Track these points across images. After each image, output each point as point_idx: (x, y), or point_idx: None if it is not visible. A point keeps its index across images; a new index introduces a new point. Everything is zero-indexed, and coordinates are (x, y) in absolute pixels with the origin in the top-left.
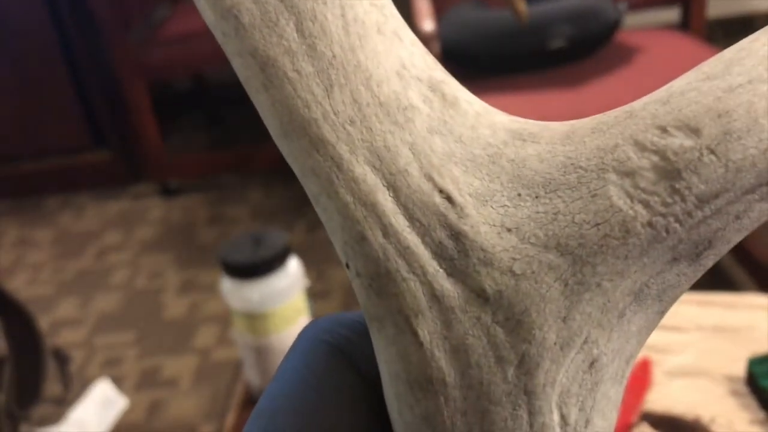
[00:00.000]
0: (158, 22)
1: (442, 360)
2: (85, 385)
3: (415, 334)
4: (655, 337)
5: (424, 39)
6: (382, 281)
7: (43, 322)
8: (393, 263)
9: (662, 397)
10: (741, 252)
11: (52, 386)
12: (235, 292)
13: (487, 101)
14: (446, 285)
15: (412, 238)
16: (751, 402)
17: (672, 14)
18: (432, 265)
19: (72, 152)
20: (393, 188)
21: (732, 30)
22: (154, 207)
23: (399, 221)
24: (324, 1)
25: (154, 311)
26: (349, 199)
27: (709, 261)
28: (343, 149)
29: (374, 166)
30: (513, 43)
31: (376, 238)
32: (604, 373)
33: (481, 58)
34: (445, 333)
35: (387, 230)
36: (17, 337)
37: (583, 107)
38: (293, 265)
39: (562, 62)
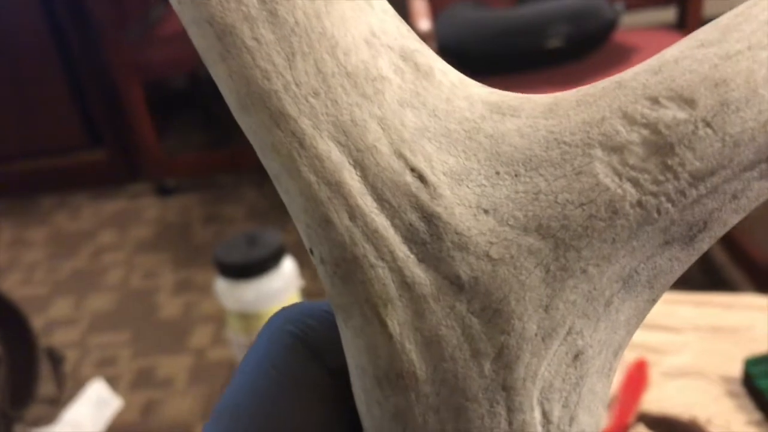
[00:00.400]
0: (154, 20)
1: (413, 353)
2: (79, 385)
3: (383, 324)
4: (652, 338)
5: (421, 38)
6: (348, 267)
7: (38, 322)
8: (360, 248)
9: (659, 398)
10: (738, 252)
11: (45, 386)
12: (229, 293)
13: None
14: (417, 271)
15: (380, 221)
16: (748, 403)
17: (668, 14)
18: (402, 250)
19: (67, 151)
20: (360, 166)
21: None
22: (149, 206)
23: (366, 202)
24: None
25: (149, 311)
26: (312, 178)
27: (704, 244)
28: (305, 124)
29: (340, 142)
30: (510, 42)
31: (342, 220)
32: (589, 366)
33: (478, 58)
34: (417, 323)
35: (353, 212)
36: (10, 338)
37: None
38: (288, 265)
39: (559, 62)
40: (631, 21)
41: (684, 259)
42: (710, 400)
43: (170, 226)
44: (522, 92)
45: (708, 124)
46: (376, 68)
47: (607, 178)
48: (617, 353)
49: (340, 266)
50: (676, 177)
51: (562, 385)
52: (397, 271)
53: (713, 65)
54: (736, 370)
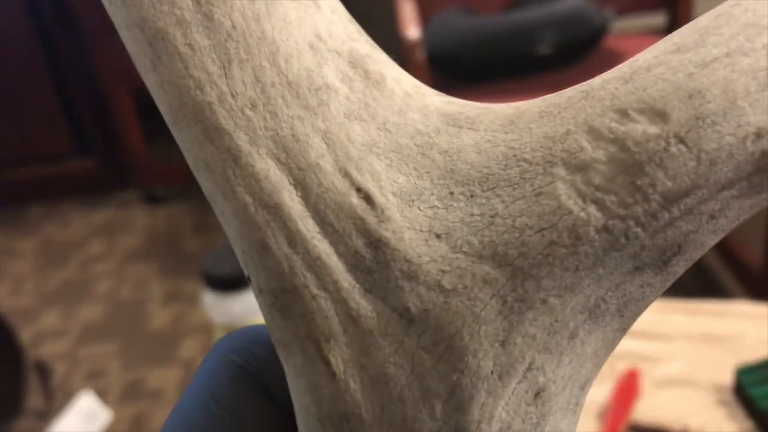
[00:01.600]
0: None
1: (358, 393)
2: (68, 397)
3: (326, 362)
4: (643, 346)
5: (410, 45)
6: (287, 299)
7: (26, 334)
8: (300, 277)
9: (650, 407)
10: (730, 257)
11: (34, 399)
12: (217, 305)
13: None
14: (363, 303)
15: (323, 247)
16: (739, 411)
17: (659, 19)
18: (347, 280)
19: (55, 160)
20: (301, 186)
21: None
22: (138, 215)
23: (308, 226)
24: None
25: (139, 322)
26: (248, 199)
27: (678, 268)
28: (241, 139)
29: (279, 160)
30: (500, 49)
31: (280, 247)
32: (552, 403)
33: (468, 64)
34: (362, 361)
35: (293, 237)
36: None
37: None
38: None
39: (549, 68)
40: (621, 26)
41: (657, 285)
42: (701, 409)
43: (159, 235)
44: (512, 99)
45: (681, 140)
46: (321, 77)
47: (570, 200)
48: (584, 387)
49: (278, 297)
50: (646, 199)
51: (522, 426)
52: (341, 303)
53: (688, 74)
54: (728, 378)
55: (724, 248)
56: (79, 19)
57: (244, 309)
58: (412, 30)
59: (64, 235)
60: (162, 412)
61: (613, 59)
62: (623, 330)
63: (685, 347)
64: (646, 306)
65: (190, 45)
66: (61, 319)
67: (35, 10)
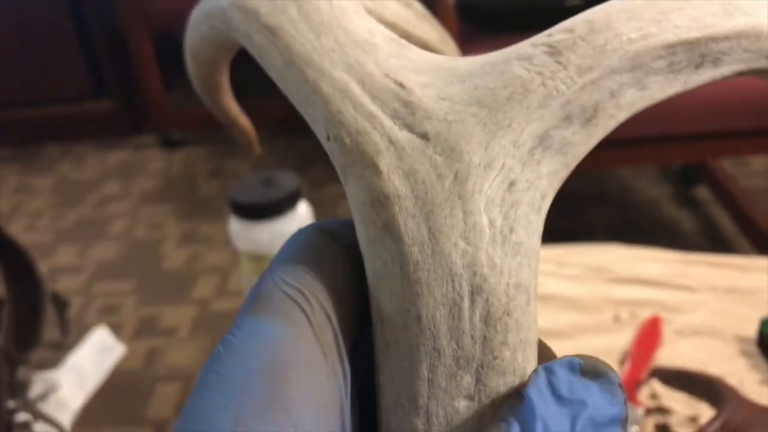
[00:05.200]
0: None
1: (396, 180)
2: (83, 331)
3: (376, 166)
4: (667, 296)
5: None
6: (353, 137)
7: (42, 269)
8: (361, 123)
9: (672, 356)
10: (746, 222)
11: (50, 331)
12: (243, 233)
13: None
14: (400, 134)
15: (374, 109)
16: (761, 363)
17: None
18: (389, 123)
19: (73, 101)
20: (361, 83)
21: None
22: (155, 158)
23: (365, 100)
24: None
25: (154, 261)
26: (330, 90)
27: (598, 129)
28: (326, 65)
29: (348, 72)
30: (530, 0)
31: (349, 110)
32: (521, 196)
33: (497, 15)
34: (398, 163)
35: (357, 106)
36: (17, 281)
37: None
38: (303, 209)
39: None
40: None
41: (584, 136)
42: (724, 359)
43: (175, 178)
44: None
45: (583, 39)
46: (374, 40)
47: (521, 71)
48: (544, 198)
49: (348, 137)
50: (566, 68)
51: (502, 203)
52: (386, 134)
53: (586, 14)
54: (751, 330)
55: (739, 214)
56: None
57: (270, 238)
58: None
59: (79, 174)
60: (174, 349)
61: None
62: (567, 165)
63: (708, 299)
64: (580, 152)
65: (297, 30)
66: (76, 255)
67: None
